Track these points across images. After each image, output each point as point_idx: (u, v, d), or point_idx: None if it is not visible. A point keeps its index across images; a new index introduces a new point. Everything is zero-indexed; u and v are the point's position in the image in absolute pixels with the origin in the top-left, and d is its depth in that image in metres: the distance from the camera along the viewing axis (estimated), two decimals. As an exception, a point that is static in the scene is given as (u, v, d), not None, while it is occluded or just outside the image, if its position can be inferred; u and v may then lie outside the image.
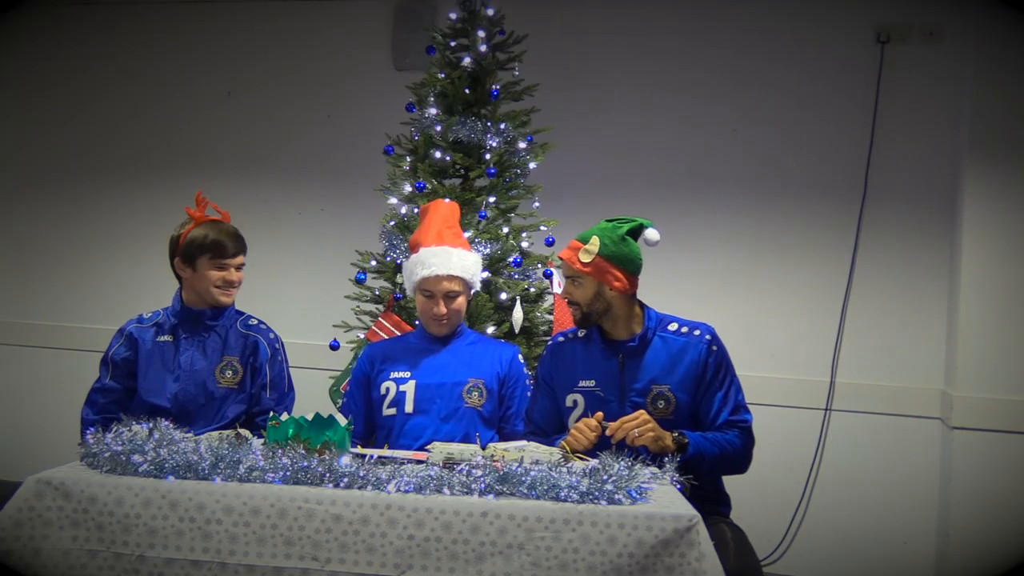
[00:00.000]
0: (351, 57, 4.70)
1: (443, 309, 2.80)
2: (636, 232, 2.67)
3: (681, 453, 2.45)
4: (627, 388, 2.62)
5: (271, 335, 2.94)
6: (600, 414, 2.49)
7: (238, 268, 2.86)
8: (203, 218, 2.90)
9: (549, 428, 2.72)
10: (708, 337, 2.63)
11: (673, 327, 2.66)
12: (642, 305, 2.71)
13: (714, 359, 2.61)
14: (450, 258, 2.80)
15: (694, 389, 2.60)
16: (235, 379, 2.83)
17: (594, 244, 2.61)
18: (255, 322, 2.94)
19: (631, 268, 2.63)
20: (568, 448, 2.42)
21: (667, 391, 2.59)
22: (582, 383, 2.66)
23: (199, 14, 4.90)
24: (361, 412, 2.86)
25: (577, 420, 2.57)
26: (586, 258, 2.61)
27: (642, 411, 2.47)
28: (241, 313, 2.95)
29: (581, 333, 2.74)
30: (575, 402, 2.66)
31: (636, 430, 2.41)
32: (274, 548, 1.99)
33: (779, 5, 4.28)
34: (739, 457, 2.61)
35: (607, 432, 2.44)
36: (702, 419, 2.61)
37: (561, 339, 2.79)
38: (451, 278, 2.79)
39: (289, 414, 2.84)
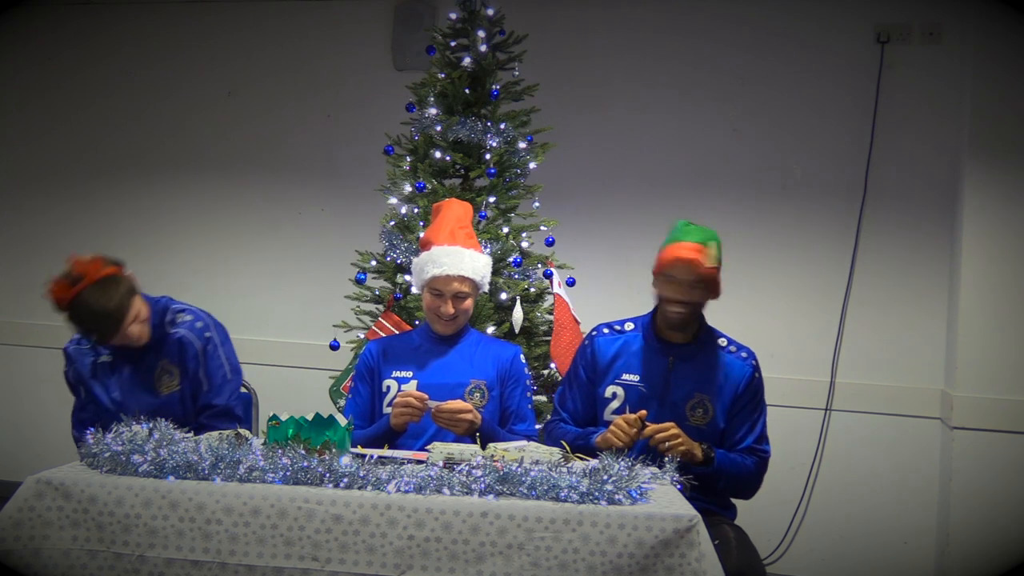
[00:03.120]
0: (351, 57, 4.70)
1: (451, 309, 2.78)
2: None
3: (706, 465, 2.48)
4: (671, 389, 2.63)
5: (197, 324, 2.80)
6: (644, 412, 2.49)
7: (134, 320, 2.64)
8: (66, 297, 2.56)
9: (580, 418, 2.74)
10: (753, 363, 2.67)
11: (722, 342, 2.69)
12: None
13: (755, 385, 2.65)
14: (462, 259, 2.78)
15: (730, 407, 2.63)
16: (172, 382, 2.76)
17: (714, 249, 2.59)
18: (183, 316, 2.80)
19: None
20: (607, 442, 2.44)
21: (707, 401, 2.62)
22: (626, 376, 2.67)
23: (199, 14, 4.90)
24: (367, 406, 2.84)
25: (615, 412, 2.59)
26: (711, 263, 2.57)
27: (673, 424, 2.48)
28: (169, 304, 2.81)
29: (628, 327, 2.74)
30: (615, 394, 2.68)
31: (668, 443, 2.42)
32: (274, 548, 1.99)
33: (779, 5, 4.28)
34: (751, 483, 2.65)
35: (644, 433, 2.45)
36: (727, 438, 2.64)
37: (607, 331, 2.78)
38: (462, 279, 2.76)
39: (229, 401, 2.78)
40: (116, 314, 2.58)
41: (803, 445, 4.18)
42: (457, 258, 2.77)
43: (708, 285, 2.59)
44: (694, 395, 2.62)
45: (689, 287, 2.57)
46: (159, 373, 2.75)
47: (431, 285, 2.79)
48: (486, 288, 2.93)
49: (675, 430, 2.45)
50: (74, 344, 2.81)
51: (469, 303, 2.83)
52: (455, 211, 2.92)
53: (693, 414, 2.60)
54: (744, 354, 2.68)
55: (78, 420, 2.79)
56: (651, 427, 2.45)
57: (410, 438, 2.73)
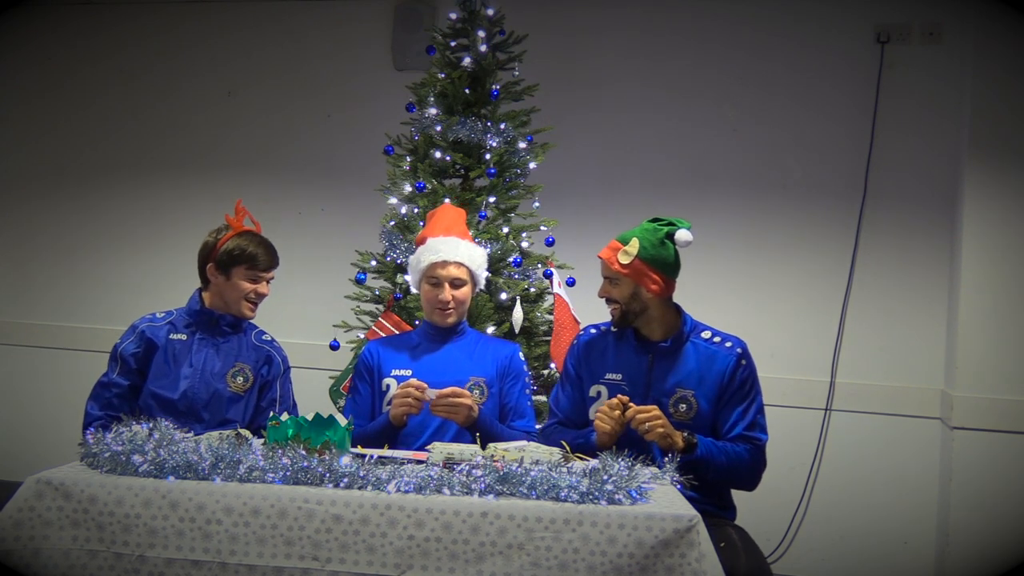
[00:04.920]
0: (351, 57, 4.70)
1: (448, 295, 2.81)
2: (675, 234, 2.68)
3: (688, 454, 2.47)
4: (652, 387, 2.64)
5: (283, 353, 3.01)
6: (625, 397, 2.51)
7: (268, 282, 2.92)
8: (241, 227, 2.93)
9: (577, 418, 2.75)
10: (739, 351, 2.65)
11: (706, 335, 2.68)
12: (679, 309, 2.73)
13: (741, 373, 2.63)
14: (458, 246, 2.85)
15: (716, 399, 2.62)
16: (244, 386, 2.88)
17: (633, 246, 2.63)
18: (268, 337, 3.01)
19: (668, 272, 2.65)
20: (597, 429, 2.47)
21: (690, 396, 2.61)
22: (609, 375, 2.69)
23: (199, 14, 4.90)
24: (367, 405, 2.85)
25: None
26: (625, 260, 2.63)
27: (655, 407, 2.50)
28: (254, 326, 3.00)
29: (615, 328, 2.75)
30: (599, 393, 2.70)
31: (647, 423, 2.43)
32: (274, 548, 1.99)
33: (779, 5, 4.28)
34: (746, 472, 2.62)
35: (627, 415, 2.46)
36: (718, 430, 2.63)
37: (593, 331, 2.81)
38: (458, 265, 2.82)
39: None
40: (276, 251, 2.95)
41: (803, 445, 4.18)
42: (453, 246, 2.84)
43: (626, 282, 2.63)
44: (676, 391, 2.61)
45: (607, 283, 2.68)
46: (235, 371, 2.88)
47: (428, 273, 2.83)
48: (482, 284, 2.96)
49: (656, 411, 2.47)
50: (147, 321, 2.92)
51: (466, 291, 2.86)
52: (450, 212, 3.01)
53: (676, 410, 2.60)
54: (729, 343, 2.66)
55: (97, 394, 2.86)
56: (633, 408, 2.47)
57: (410, 437, 2.74)
